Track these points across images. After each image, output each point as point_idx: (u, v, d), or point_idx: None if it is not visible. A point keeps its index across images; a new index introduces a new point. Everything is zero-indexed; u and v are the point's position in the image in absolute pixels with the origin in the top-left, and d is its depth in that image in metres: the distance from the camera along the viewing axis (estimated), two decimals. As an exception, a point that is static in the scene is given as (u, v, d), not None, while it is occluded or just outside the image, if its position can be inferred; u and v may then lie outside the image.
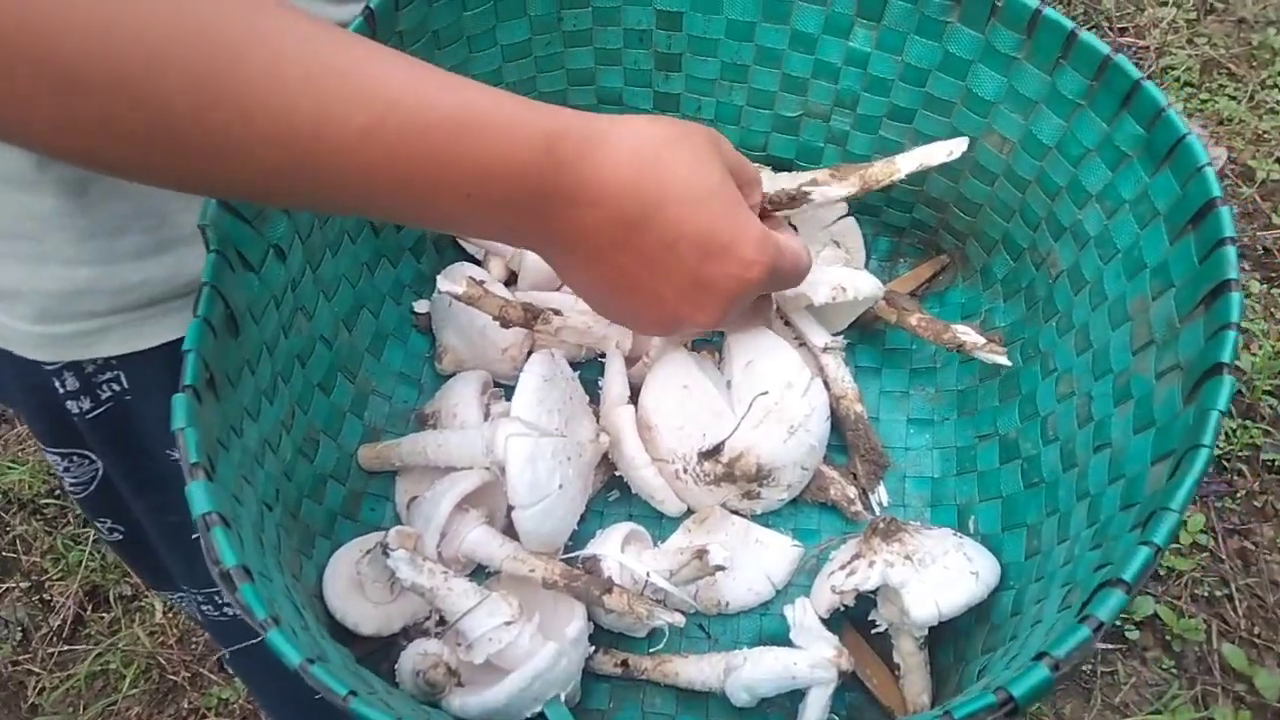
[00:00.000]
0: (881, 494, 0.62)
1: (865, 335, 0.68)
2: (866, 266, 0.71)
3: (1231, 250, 0.45)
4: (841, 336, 0.64)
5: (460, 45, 0.62)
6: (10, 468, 1.49)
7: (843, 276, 0.60)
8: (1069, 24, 0.53)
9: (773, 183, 0.65)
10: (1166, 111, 0.50)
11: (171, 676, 1.33)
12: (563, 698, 0.53)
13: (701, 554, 0.54)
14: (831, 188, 0.57)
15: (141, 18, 0.33)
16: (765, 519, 0.62)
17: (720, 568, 0.54)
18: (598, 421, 0.61)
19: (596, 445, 0.59)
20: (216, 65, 0.35)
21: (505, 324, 0.60)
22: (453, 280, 0.58)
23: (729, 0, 0.62)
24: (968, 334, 0.60)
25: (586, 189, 0.42)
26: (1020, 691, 0.37)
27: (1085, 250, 0.57)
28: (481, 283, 0.60)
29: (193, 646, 1.35)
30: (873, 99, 0.63)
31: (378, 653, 0.58)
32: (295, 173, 0.37)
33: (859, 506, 0.61)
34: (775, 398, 0.57)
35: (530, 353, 0.65)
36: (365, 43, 0.39)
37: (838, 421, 0.62)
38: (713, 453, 0.58)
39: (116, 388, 0.62)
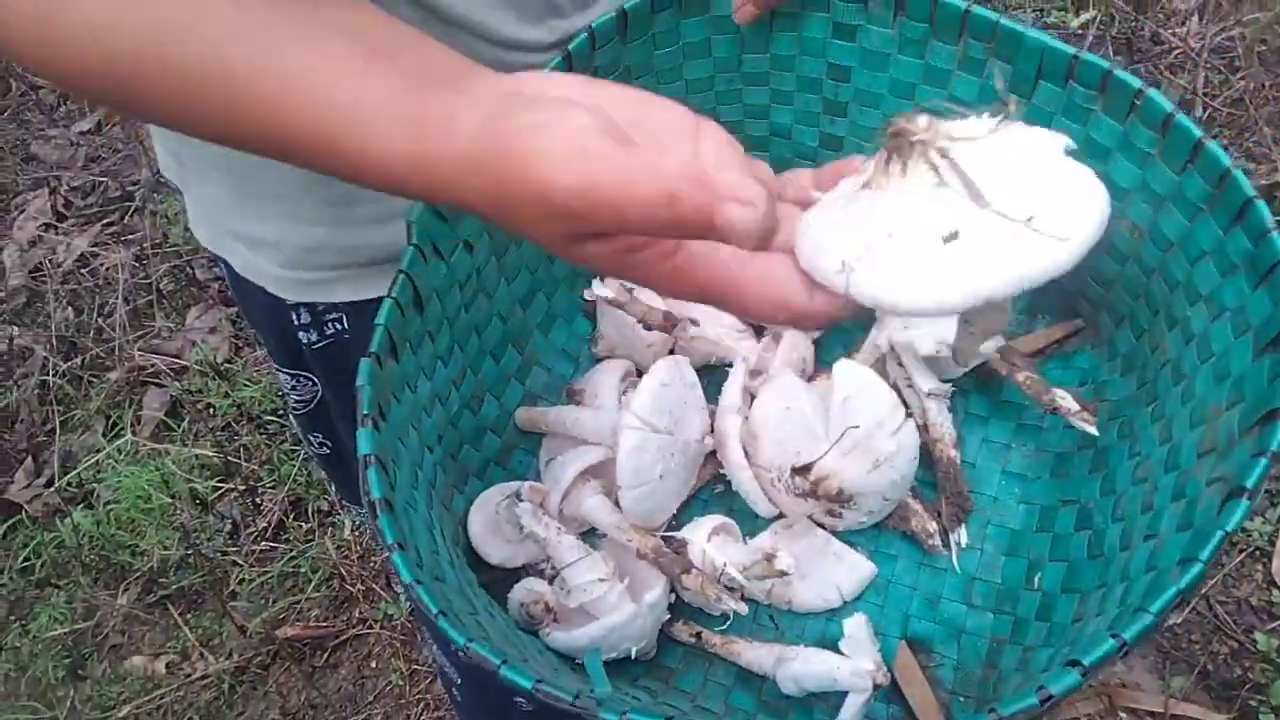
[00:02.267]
0: (961, 535, 0.67)
1: (982, 385, 0.72)
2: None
3: (1291, 382, 0.47)
4: (950, 385, 0.68)
5: (650, 77, 0.71)
6: (246, 384, 1.75)
7: (949, 332, 0.65)
8: (1198, 132, 0.55)
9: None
10: (1272, 233, 0.52)
11: (349, 587, 1.53)
12: (634, 652, 0.63)
13: (770, 557, 0.62)
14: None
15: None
16: (849, 535, 0.69)
17: (784, 573, 0.61)
18: (711, 421, 0.70)
19: (701, 446, 0.67)
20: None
21: (647, 327, 0.70)
22: (604, 285, 0.68)
23: (895, 61, 0.68)
24: (1065, 399, 0.64)
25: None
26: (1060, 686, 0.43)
27: (1189, 347, 0.59)
28: (631, 289, 0.70)
29: (371, 564, 1.55)
30: (1018, 168, 0.67)
31: (503, 581, 0.70)
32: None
33: (936, 541, 0.67)
34: (866, 432, 0.64)
35: (671, 350, 0.75)
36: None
37: (931, 462, 0.68)
38: (803, 470, 0.65)
39: (339, 327, 0.77)
